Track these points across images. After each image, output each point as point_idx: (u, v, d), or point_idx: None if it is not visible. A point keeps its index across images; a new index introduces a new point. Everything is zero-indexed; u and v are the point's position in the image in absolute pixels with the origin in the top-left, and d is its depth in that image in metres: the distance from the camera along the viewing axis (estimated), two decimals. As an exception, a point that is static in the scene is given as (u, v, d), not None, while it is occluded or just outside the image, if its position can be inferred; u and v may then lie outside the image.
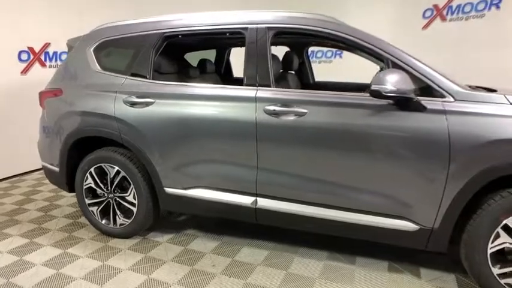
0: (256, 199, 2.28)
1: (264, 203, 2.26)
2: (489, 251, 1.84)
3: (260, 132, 2.15)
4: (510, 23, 4.67)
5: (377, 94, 1.82)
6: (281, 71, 3.12)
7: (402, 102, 1.87)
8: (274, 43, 3.18)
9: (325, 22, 2.15)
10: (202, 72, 3.32)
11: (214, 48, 3.70)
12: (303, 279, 2.19)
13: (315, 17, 2.19)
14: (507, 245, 1.81)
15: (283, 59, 3.12)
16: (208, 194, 2.40)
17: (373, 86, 1.81)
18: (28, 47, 4.43)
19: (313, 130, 2.05)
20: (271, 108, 2.12)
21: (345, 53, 6.22)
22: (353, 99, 1.99)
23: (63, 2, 4.68)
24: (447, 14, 5.15)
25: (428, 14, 5.31)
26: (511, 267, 1.83)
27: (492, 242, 1.83)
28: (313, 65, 7.17)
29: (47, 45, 4.60)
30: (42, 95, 2.88)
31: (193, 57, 3.47)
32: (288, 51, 3.25)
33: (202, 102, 2.32)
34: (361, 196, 2.04)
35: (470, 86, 2.59)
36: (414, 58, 1.97)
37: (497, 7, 4.69)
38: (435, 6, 5.24)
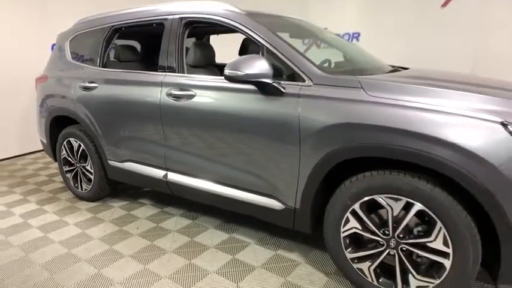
0: (166, 173, 2.57)
1: (172, 176, 2.54)
2: (342, 235, 1.86)
3: (163, 113, 2.41)
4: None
5: (229, 78, 1.94)
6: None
7: (261, 86, 1.95)
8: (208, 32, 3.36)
9: (222, 11, 2.28)
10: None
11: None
12: (200, 246, 2.43)
13: (217, 5, 2.33)
14: (355, 230, 1.81)
15: (240, 46, 3.28)
16: (136, 167, 2.76)
17: (225, 70, 1.93)
18: (60, 41, 5.25)
19: (198, 112, 2.24)
20: (171, 91, 2.36)
21: (362, 37, 5.96)
22: (223, 82, 2.12)
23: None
24: (468, -12, 4.60)
25: (447, -10, 4.79)
26: (361, 252, 1.83)
27: (343, 226, 1.84)
28: (331, 50, 7.03)
29: (76, 38, 5.37)
30: (36, 80, 3.53)
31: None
32: (245, 38, 3.37)
33: (126, 86, 2.66)
34: (238, 174, 2.19)
35: (393, 66, 2.52)
36: (287, 43, 2.01)
37: (523, -23, 4.05)
38: (455, -20, 4.70)
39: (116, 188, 3.32)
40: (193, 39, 3.95)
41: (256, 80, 1.90)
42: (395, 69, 2.44)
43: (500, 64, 4.35)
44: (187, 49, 2.67)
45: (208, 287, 2.00)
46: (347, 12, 5.92)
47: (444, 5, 4.85)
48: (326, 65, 2.62)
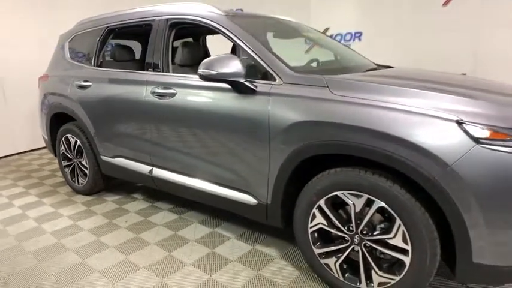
0: (152, 169, 2.66)
1: (157, 172, 2.63)
2: (309, 230, 1.90)
3: (148, 110, 2.50)
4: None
5: (203, 77, 2.01)
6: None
7: (235, 85, 2.01)
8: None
9: (203, 12, 2.35)
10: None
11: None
12: (181, 239, 2.51)
13: (200, 6, 2.41)
14: (321, 225, 1.85)
15: (232, 46, 3.35)
16: (125, 163, 2.87)
17: (199, 70, 2.00)
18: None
19: (178, 109, 2.32)
20: (155, 90, 2.46)
21: (364, 36, 5.93)
22: (201, 81, 2.17)
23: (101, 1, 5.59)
24: (469, -14, 4.53)
25: (449, -12, 4.73)
26: (327, 247, 1.87)
27: (311, 222, 1.88)
28: (330, 50, 7.05)
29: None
30: (39, 79, 3.70)
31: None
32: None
33: (116, 85, 2.77)
34: (216, 170, 2.25)
35: (378, 65, 2.55)
36: (261, 43, 2.07)
37: (525, -25, 3.96)
38: (457, -22, 4.64)
39: (111, 182, 3.44)
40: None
41: (229, 79, 1.97)
42: (374, 68, 2.45)
43: (501, 64, 4.27)
44: (175, 49, 2.76)
45: (182, 277, 2.07)
46: (349, 12, 5.91)
47: (445, 3, 4.79)
48: (314, 64, 2.67)
